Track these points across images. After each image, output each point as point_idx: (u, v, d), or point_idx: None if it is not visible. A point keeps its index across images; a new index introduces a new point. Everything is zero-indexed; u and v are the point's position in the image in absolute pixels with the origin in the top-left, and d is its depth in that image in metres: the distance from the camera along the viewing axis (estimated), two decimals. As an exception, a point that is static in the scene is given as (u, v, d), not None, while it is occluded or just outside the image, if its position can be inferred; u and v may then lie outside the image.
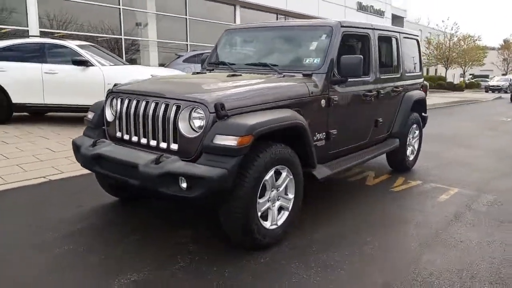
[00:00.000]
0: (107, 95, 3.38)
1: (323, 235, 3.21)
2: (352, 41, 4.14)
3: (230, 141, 2.57)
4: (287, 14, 19.32)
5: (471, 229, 3.42)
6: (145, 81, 3.58)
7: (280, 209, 3.07)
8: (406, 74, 4.99)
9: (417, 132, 5.31)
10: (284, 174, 2.99)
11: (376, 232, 3.31)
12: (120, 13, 13.29)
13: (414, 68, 5.33)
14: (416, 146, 5.37)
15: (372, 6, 25.21)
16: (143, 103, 3.00)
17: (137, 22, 14.22)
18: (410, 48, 5.20)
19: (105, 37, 13.23)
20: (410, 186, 4.61)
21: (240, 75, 3.58)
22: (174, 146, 2.82)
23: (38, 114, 8.58)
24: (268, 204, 2.91)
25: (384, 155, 5.12)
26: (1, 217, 3.46)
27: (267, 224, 2.92)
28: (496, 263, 2.82)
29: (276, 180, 2.96)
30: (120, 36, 13.42)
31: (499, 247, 3.08)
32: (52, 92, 7.38)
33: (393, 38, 4.73)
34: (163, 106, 2.87)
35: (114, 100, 3.27)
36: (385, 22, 26.45)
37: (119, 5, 13.22)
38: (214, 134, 2.62)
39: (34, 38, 8.06)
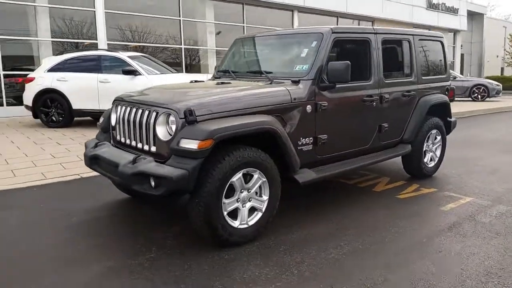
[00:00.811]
0: (113, 102, 3.81)
1: (299, 237, 3.30)
2: (349, 46, 4.16)
3: (192, 144, 2.81)
4: (348, 17, 19.04)
5: (459, 239, 3.28)
6: (145, 90, 3.94)
7: (254, 209, 3.23)
8: (423, 78, 4.83)
9: (438, 137, 5.09)
10: (255, 176, 3.15)
11: (354, 237, 3.31)
12: (180, 24, 14.14)
13: (436, 71, 5.13)
14: (438, 153, 5.15)
15: (444, 4, 23.80)
16: (134, 110, 3.35)
17: (217, 32, 15.01)
18: (430, 50, 5.02)
19: (167, 47, 14.17)
20: (419, 194, 4.46)
21: (229, 83, 3.81)
22: (153, 149, 3.12)
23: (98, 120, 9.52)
24: (236, 204, 3.09)
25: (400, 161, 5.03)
26: (28, 207, 4.04)
27: (235, 223, 3.09)
28: (464, 275, 2.71)
29: (247, 182, 3.14)
30: (180, 46, 14.27)
31: (478, 259, 2.93)
32: (106, 99, 8.18)
33: (404, 41, 4.62)
34: (146, 113, 3.20)
35: (117, 107, 3.68)
36: (459, 20, 24.85)
37: (179, 16, 14.07)
38: (180, 138, 2.88)
39: (92, 51, 8.99)
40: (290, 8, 17.18)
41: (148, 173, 2.87)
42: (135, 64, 8.26)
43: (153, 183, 2.87)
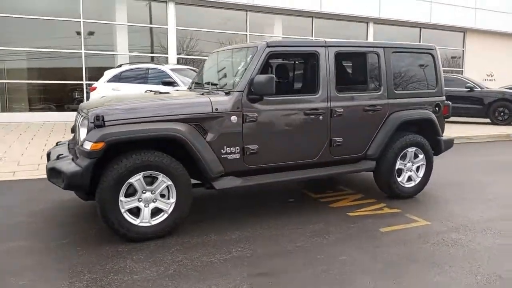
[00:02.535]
0: (77, 110, 4.38)
1: (199, 241, 3.45)
2: (293, 59, 4.17)
3: (88, 145, 3.21)
4: (429, 26, 17.83)
5: (351, 261, 3.11)
6: (99, 99, 4.41)
7: (161, 210, 3.49)
8: (397, 92, 4.56)
9: (420, 156, 4.71)
10: (159, 179, 3.42)
11: (253, 246, 3.36)
12: (246, 39, 14.80)
13: (420, 84, 4.78)
14: (420, 173, 4.76)
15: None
16: (77, 115, 3.88)
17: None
18: (412, 63, 4.72)
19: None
20: (374, 213, 4.22)
21: (168, 92, 4.12)
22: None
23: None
24: (137, 204, 3.38)
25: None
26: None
27: (136, 221, 3.39)
28: (317, 293, 2.63)
29: (151, 184, 3.41)
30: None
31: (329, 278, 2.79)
32: (150, 107, 9.01)
33: (369, 54, 4.44)
34: (80, 118, 3.70)
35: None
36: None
37: (246, 31, 14.73)
38: (84, 139, 3.29)
39: (142, 64, 9.99)
40: (365, 20, 16.75)
41: (56, 169, 3.33)
42: (174, 76, 9.00)
43: (61, 178, 3.33)
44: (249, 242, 3.45)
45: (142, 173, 3.34)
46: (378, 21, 16.84)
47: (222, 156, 3.73)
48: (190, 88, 4.93)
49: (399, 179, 4.62)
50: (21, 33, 12.15)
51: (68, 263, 3.04)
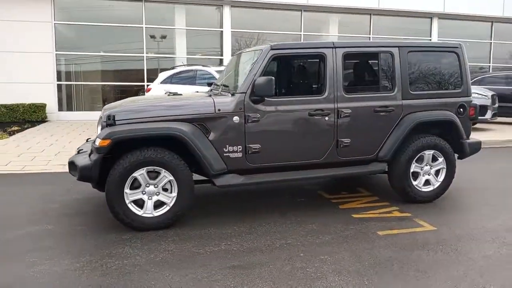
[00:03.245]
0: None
1: (197, 234, 3.68)
2: (298, 61, 4.22)
3: (97, 142, 3.58)
4: (502, 20, 16.44)
5: (332, 260, 3.14)
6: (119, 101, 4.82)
7: (164, 203, 3.77)
8: (414, 93, 4.42)
9: (440, 159, 4.51)
10: (162, 174, 3.71)
11: (241, 240, 3.51)
12: (300, 39, 14.82)
13: (442, 85, 4.57)
14: (440, 177, 4.55)
15: None
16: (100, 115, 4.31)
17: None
18: (433, 62, 4.53)
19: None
20: (382, 216, 4.15)
21: (181, 94, 4.40)
22: (98, 145, 4.00)
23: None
24: (141, 196, 3.70)
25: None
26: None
27: (140, 212, 3.70)
28: (283, 288, 2.73)
29: (155, 178, 3.71)
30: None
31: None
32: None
33: (381, 54, 4.35)
34: (99, 117, 4.12)
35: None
36: None
37: (300, 31, 14.76)
38: (97, 137, 3.68)
39: (191, 66, 10.49)
40: (429, 16, 15.91)
41: (73, 162, 3.77)
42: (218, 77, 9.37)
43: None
44: (241, 237, 3.62)
45: (145, 168, 3.65)
46: (443, 16, 15.92)
47: (225, 154, 3.93)
48: (210, 90, 5.18)
49: (414, 183, 4.48)
50: (93, 38, 13.36)
51: (76, 246, 3.44)
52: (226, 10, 13.87)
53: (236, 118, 3.94)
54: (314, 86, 4.15)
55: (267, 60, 4.00)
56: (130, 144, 3.69)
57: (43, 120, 12.20)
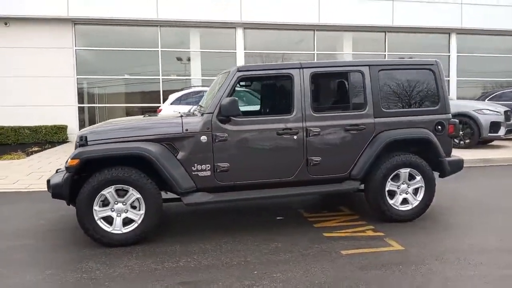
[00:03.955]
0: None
1: (161, 250, 3.79)
2: (267, 82, 4.32)
3: (67, 162, 3.79)
4: None
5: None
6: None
7: (132, 220, 3.91)
8: (387, 111, 4.40)
9: (417, 178, 4.44)
10: (130, 192, 3.86)
11: (213, 256, 3.58)
12: (314, 57, 14.93)
13: (416, 103, 4.54)
14: (419, 196, 4.47)
15: None
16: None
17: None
18: (408, 80, 4.52)
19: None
20: (353, 235, 4.10)
21: (156, 115, 4.58)
22: (74, 165, 4.21)
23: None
24: (110, 213, 3.86)
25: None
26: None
27: (108, 228, 3.85)
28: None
29: (123, 196, 3.86)
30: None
31: None
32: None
33: (351, 74, 4.38)
34: (78, 138, 4.35)
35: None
36: None
37: (314, 50, 14.87)
38: (69, 157, 3.89)
39: (198, 87, 10.77)
40: (446, 31, 15.67)
41: (49, 181, 3.98)
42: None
43: (51, 188, 3.97)
44: (204, 254, 3.69)
45: (113, 186, 3.81)
46: (461, 31, 15.63)
47: (193, 173, 4.05)
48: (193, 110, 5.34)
49: (391, 201, 4.42)
50: (112, 62, 14.00)
51: (47, 260, 3.62)
52: (239, 32, 14.21)
53: (203, 138, 4.06)
54: (283, 105, 4.23)
55: (234, 81, 4.13)
56: (102, 163, 3.88)
57: (64, 141, 12.79)
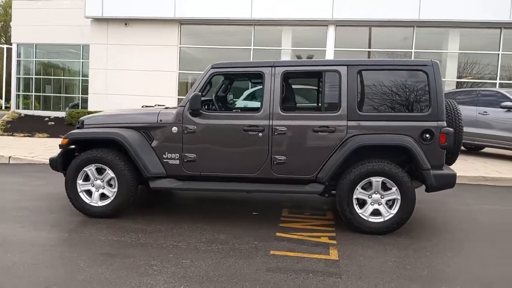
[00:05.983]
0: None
1: (148, 229, 4.26)
2: (240, 79, 4.40)
3: (61, 141, 4.53)
4: None
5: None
6: None
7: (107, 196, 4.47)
8: (362, 114, 4.11)
9: (393, 189, 4.05)
10: (106, 171, 4.42)
11: (159, 237, 3.94)
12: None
13: (401, 107, 4.12)
14: (393, 209, 4.07)
15: None
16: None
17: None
18: (394, 82, 4.13)
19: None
20: (302, 238, 3.97)
21: (152, 107, 5.05)
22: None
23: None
24: (90, 188, 4.47)
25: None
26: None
27: (88, 200, 4.48)
28: None
29: (101, 174, 4.45)
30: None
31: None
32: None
33: (326, 73, 4.18)
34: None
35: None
36: None
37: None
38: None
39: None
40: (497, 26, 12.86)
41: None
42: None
43: (55, 163, 4.78)
44: (149, 234, 4.04)
45: (93, 164, 4.42)
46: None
47: (164, 160, 4.43)
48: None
49: (359, 211, 4.13)
50: (210, 59, 15.17)
51: (40, 229, 4.31)
52: (331, 30, 13.98)
53: (174, 129, 4.40)
54: (253, 103, 4.29)
55: (207, 77, 4.37)
56: (92, 144, 4.53)
57: (162, 128, 14.40)
